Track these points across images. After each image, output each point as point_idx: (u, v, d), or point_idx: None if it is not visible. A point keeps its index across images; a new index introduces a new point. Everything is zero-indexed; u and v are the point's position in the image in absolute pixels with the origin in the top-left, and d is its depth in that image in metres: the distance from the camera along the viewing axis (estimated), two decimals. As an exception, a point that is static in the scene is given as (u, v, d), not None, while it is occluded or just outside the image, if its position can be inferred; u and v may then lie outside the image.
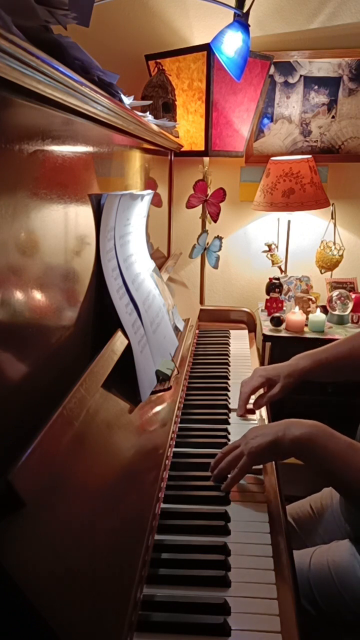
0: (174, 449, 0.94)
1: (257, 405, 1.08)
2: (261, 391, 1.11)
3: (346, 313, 1.97)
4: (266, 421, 1.08)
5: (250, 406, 1.10)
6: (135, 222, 1.05)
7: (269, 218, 2.20)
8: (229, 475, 0.82)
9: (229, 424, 1.06)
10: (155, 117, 1.53)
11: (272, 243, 2.11)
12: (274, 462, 0.90)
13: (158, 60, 1.79)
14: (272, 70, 1.97)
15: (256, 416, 1.09)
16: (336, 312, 1.97)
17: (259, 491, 0.84)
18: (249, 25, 1.57)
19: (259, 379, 1.09)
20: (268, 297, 2.05)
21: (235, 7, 1.54)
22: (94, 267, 0.80)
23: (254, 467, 0.85)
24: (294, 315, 1.90)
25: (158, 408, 0.91)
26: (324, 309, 1.99)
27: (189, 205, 1.97)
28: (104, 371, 0.72)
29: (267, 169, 2.00)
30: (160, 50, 1.84)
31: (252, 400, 1.10)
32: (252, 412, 1.10)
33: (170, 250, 1.82)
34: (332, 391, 1.85)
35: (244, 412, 1.09)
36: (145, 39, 1.98)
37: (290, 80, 2.03)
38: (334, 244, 2.08)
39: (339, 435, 0.78)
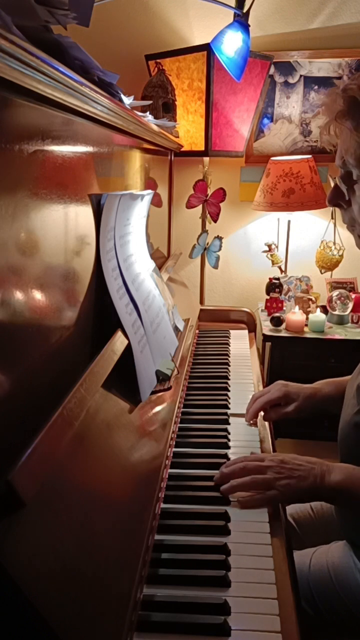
0: (174, 449, 0.94)
1: (267, 417, 1.05)
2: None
3: (346, 313, 1.97)
4: (266, 425, 1.06)
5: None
6: (135, 222, 1.05)
7: (269, 218, 2.20)
8: (253, 497, 0.79)
9: (229, 424, 1.06)
10: (155, 117, 1.53)
11: (272, 243, 2.11)
12: None
13: (158, 60, 1.79)
14: (272, 70, 1.97)
15: (258, 425, 1.07)
16: (336, 312, 1.97)
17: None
18: (249, 25, 1.57)
19: (277, 393, 1.04)
20: (268, 297, 2.05)
21: (235, 7, 1.54)
22: (94, 267, 0.80)
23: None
24: (294, 315, 1.90)
25: (158, 408, 0.91)
26: (324, 309, 1.99)
27: (189, 205, 1.97)
28: (104, 371, 0.72)
29: (267, 169, 2.00)
30: (160, 50, 1.84)
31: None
32: (255, 423, 1.06)
33: (170, 250, 1.82)
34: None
35: (253, 422, 1.05)
36: (145, 39, 1.98)
37: (290, 80, 2.03)
38: (334, 244, 2.08)
39: None
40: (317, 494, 0.78)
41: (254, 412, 1.05)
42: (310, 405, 1.03)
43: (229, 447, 0.97)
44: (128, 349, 0.83)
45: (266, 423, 1.07)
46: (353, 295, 1.97)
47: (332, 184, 0.86)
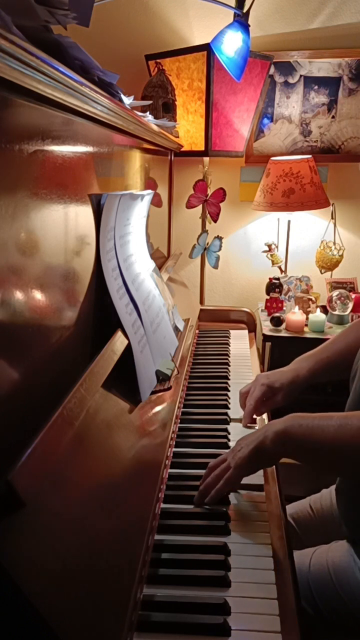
0: (174, 449, 0.94)
1: (259, 413, 1.06)
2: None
3: (346, 313, 1.96)
4: (265, 421, 1.07)
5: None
6: (135, 222, 1.05)
7: (269, 218, 2.20)
8: (215, 487, 0.79)
9: (228, 424, 1.06)
10: (155, 117, 1.53)
11: (272, 243, 2.11)
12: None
13: (158, 60, 1.79)
14: (272, 70, 1.97)
15: (258, 423, 1.07)
16: (336, 312, 1.97)
17: (258, 491, 0.84)
18: (249, 25, 1.57)
19: (261, 388, 1.05)
20: (268, 297, 2.05)
21: (235, 7, 1.54)
22: (94, 267, 0.80)
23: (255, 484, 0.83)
24: (294, 315, 1.90)
25: (158, 408, 0.91)
26: (324, 309, 1.99)
27: (189, 205, 1.97)
28: (104, 371, 0.72)
29: (267, 169, 2.00)
30: (160, 50, 1.84)
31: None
32: (254, 420, 1.07)
33: (170, 250, 1.82)
34: (332, 391, 1.85)
35: (250, 422, 1.06)
36: (145, 39, 1.98)
37: (290, 80, 2.03)
38: (334, 244, 2.08)
39: (315, 414, 0.77)
40: (263, 453, 0.77)
41: (247, 415, 1.05)
42: (295, 388, 1.04)
43: (228, 447, 0.97)
44: (128, 349, 0.83)
45: (265, 419, 1.08)
46: (353, 295, 1.97)
47: None
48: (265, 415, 1.08)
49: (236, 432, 1.02)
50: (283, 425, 0.77)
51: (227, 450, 0.94)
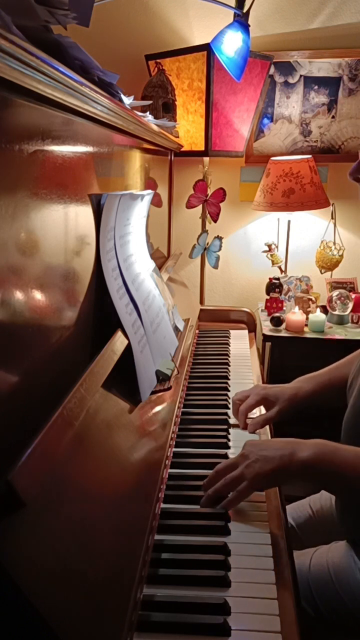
0: (174, 449, 0.94)
1: (252, 428, 1.02)
2: (256, 412, 1.08)
3: (346, 313, 1.97)
4: (267, 429, 1.06)
5: (248, 420, 1.06)
6: (135, 222, 1.05)
7: (269, 218, 2.20)
8: (227, 499, 0.77)
9: (229, 424, 1.06)
10: (155, 117, 1.53)
11: (272, 243, 2.11)
12: None
13: (158, 60, 1.79)
14: (272, 70, 1.97)
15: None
16: (336, 312, 1.97)
17: (258, 491, 0.84)
18: (249, 25, 1.57)
19: (255, 397, 1.04)
20: (268, 297, 2.05)
21: (235, 7, 1.54)
22: (94, 267, 0.80)
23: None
24: (294, 315, 1.90)
25: (158, 408, 0.91)
26: (324, 309, 1.99)
27: (189, 205, 1.97)
28: (104, 371, 0.72)
29: (267, 169, 2.00)
30: (160, 50, 1.84)
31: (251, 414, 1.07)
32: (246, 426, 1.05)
33: (170, 250, 1.82)
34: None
35: (245, 427, 1.05)
36: (145, 39, 1.98)
37: (290, 80, 2.03)
38: (334, 244, 2.08)
39: (344, 447, 0.75)
40: (285, 475, 0.76)
41: (242, 422, 1.04)
42: (292, 406, 1.02)
43: (229, 447, 0.97)
44: (128, 349, 0.83)
45: (268, 434, 1.06)
46: (353, 295, 1.97)
47: None
48: (267, 430, 1.06)
49: (236, 432, 1.02)
50: (312, 454, 0.74)
51: (227, 451, 0.94)
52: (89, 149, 0.77)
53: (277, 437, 0.85)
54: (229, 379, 1.29)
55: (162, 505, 0.79)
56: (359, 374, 0.93)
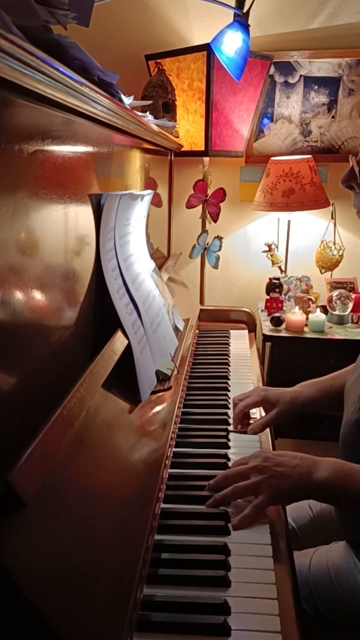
0: (174, 449, 0.94)
1: (252, 431, 1.01)
2: (256, 413, 1.08)
3: (346, 313, 1.96)
4: (268, 433, 1.05)
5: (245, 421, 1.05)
6: (135, 222, 1.05)
7: (269, 218, 2.20)
8: (243, 513, 0.76)
9: (229, 424, 1.06)
10: (155, 117, 1.53)
11: (272, 243, 2.11)
12: None
13: (158, 60, 1.79)
14: (272, 70, 1.97)
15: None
16: (336, 312, 1.97)
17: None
18: (249, 25, 1.57)
19: (255, 397, 1.04)
20: (268, 297, 2.05)
21: (235, 7, 1.54)
22: (94, 267, 0.80)
23: None
24: (294, 315, 1.90)
25: (158, 408, 0.91)
26: (324, 309, 1.99)
27: (189, 205, 1.97)
28: (104, 371, 0.72)
29: (267, 169, 2.00)
30: (160, 50, 1.84)
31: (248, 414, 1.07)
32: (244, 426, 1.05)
33: (170, 250, 1.82)
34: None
35: (240, 427, 1.04)
36: (145, 39, 1.98)
37: (290, 80, 2.03)
38: (334, 244, 2.08)
39: (356, 466, 0.76)
40: (303, 491, 0.76)
41: (237, 419, 1.04)
42: (292, 410, 1.02)
43: (229, 447, 0.97)
44: (128, 349, 0.83)
45: (269, 437, 1.06)
46: (353, 295, 1.97)
47: (350, 164, 0.87)
48: (268, 430, 1.06)
49: (236, 433, 1.02)
50: (329, 475, 0.74)
51: (227, 451, 0.94)
52: (89, 149, 0.77)
53: (277, 437, 0.85)
54: (229, 379, 1.29)
55: (162, 505, 0.79)
56: (354, 387, 0.92)
